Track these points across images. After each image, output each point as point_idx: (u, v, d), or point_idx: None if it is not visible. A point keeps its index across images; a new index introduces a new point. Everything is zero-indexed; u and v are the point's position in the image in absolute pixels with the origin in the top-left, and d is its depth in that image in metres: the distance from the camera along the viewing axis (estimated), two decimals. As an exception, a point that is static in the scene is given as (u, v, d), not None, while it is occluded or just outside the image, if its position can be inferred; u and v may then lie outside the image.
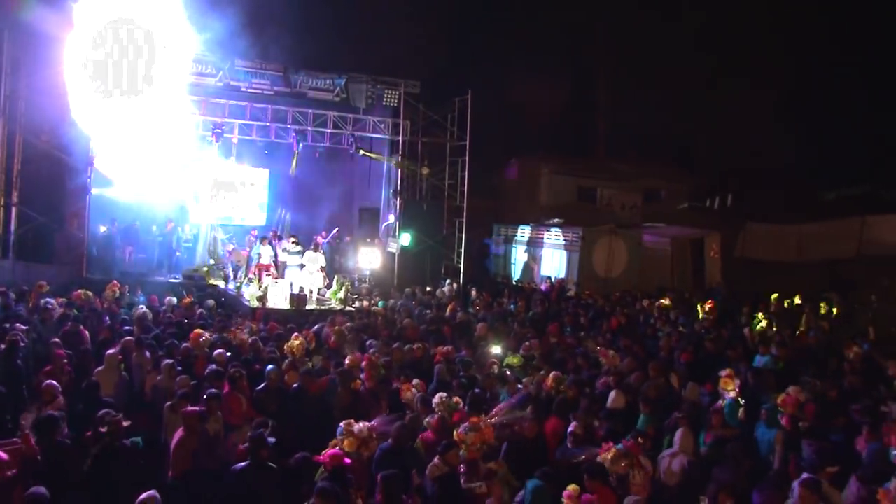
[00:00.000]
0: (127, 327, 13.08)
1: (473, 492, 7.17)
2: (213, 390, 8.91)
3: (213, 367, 10.20)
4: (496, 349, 12.64)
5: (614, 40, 37.77)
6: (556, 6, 35.78)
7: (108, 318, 14.38)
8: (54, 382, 8.83)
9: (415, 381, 10.23)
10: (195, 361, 11.08)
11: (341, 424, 7.55)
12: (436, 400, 9.09)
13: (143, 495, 5.85)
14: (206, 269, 21.05)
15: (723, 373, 10.96)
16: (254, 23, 19.78)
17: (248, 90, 21.49)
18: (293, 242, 19.64)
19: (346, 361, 11.03)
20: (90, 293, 16.04)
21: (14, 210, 19.79)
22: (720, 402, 10.36)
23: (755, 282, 26.33)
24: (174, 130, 19.65)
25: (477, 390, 9.96)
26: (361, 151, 23.12)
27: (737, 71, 34.24)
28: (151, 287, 18.56)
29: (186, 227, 22.29)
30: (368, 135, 23.64)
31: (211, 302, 17.20)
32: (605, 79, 37.98)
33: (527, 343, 13.43)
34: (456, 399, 9.23)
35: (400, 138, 23.63)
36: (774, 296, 20.29)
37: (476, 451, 7.60)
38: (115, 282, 17.26)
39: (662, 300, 19.80)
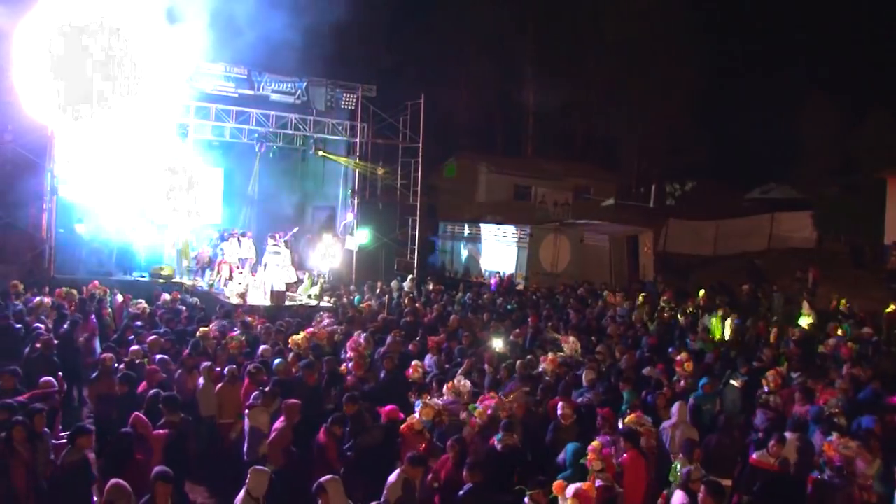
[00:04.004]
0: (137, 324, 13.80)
1: None
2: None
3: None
4: (497, 341, 13.86)
5: (541, 45, 39.45)
6: (489, 13, 37.16)
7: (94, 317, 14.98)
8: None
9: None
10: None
11: (419, 400, 8.78)
12: (449, 385, 10.21)
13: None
14: (171, 267, 21.54)
15: (680, 356, 12.52)
16: (219, 27, 20.29)
17: (213, 91, 22.03)
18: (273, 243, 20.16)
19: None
20: (74, 291, 16.46)
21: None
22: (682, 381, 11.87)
23: (677, 275, 28.45)
24: (138, 132, 20.18)
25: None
26: (321, 153, 23.95)
27: (657, 75, 36.27)
28: (121, 286, 18.93)
29: (146, 227, 22.55)
30: (327, 136, 24.44)
31: (194, 299, 17.86)
32: (533, 82, 39.60)
33: (517, 331, 14.74)
34: (464, 383, 10.37)
35: (357, 140, 24.51)
36: (701, 292, 22.08)
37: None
38: (95, 282, 17.67)
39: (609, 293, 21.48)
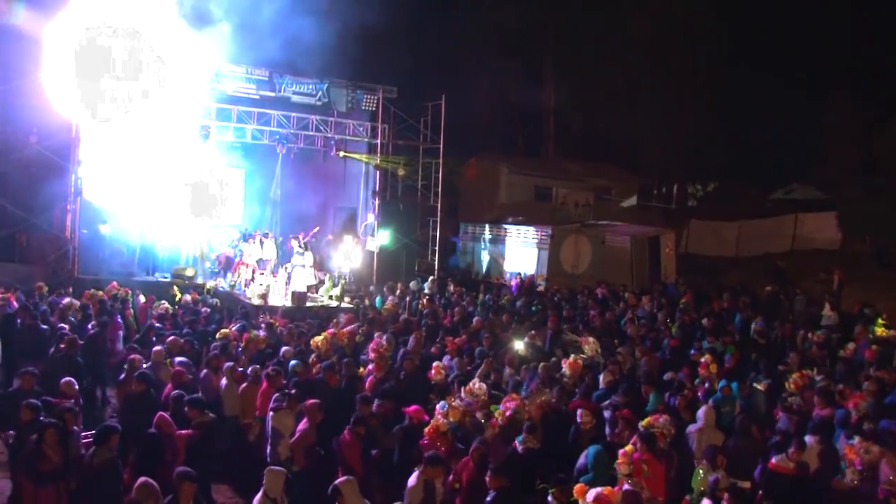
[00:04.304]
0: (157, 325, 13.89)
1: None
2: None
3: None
4: (518, 343, 13.83)
5: (561, 45, 39.30)
6: (509, 13, 37.09)
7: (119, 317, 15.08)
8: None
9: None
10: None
11: (443, 402, 8.77)
12: (466, 388, 10.17)
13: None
14: (192, 268, 21.65)
15: (704, 358, 12.44)
16: (241, 29, 20.44)
17: (235, 93, 22.18)
18: (298, 245, 20.22)
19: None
20: (100, 293, 16.59)
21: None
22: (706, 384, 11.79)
23: (699, 276, 28.21)
24: (161, 134, 20.34)
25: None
26: (343, 153, 24.05)
27: (678, 75, 35.98)
28: (143, 287, 19.05)
29: (166, 228, 22.67)
30: (348, 138, 24.54)
31: (215, 300, 17.94)
32: (553, 82, 39.48)
33: (533, 332, 14.69)
34: (480, 386, 10.33)
35: (378, 141, 24.59)
36: (725, 294, 21.90)
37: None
38: (114, 283, 17.81)
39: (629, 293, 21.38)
